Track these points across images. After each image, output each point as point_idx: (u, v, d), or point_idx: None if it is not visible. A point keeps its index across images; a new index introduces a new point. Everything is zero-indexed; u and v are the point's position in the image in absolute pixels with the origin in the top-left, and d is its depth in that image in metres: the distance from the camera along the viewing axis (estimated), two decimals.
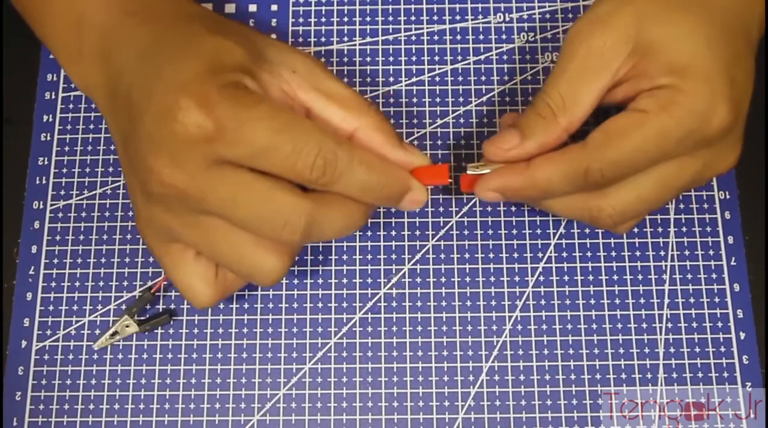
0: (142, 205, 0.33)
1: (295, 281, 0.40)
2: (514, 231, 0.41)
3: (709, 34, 0.32)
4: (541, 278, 0.40)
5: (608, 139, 0.32)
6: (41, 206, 0.42)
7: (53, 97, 0.44)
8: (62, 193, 0.42)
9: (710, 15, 0.32)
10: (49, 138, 0.43)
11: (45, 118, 0.43)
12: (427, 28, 0.45)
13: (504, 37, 0.44)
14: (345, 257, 0.41)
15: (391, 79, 0.44)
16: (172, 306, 0.40)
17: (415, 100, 0.43)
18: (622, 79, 0.33)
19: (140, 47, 0.33)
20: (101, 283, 0.40)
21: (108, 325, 0.40)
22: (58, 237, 0.41)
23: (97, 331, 0.40)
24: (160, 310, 0.40)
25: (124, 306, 0.40)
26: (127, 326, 0.39)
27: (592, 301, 0.40)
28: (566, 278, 0.40)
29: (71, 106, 0.43)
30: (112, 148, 0.43)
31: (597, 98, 0.33)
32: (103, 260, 0.41)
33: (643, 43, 0.32)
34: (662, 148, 0.31)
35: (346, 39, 0.44)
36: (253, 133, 0.29)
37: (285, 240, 0.31)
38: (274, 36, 0.45)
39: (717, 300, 0.40)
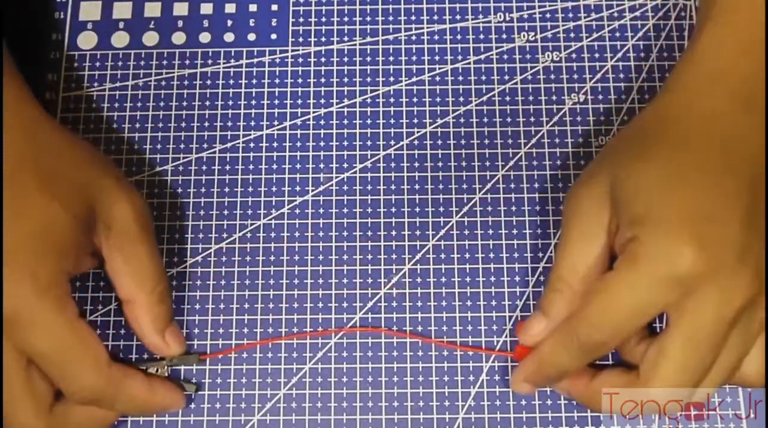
0: None
1: (296, 281, 0.40)
2: (514, 231, 0.41)
3: (667, 180, 0.32)
4: (541, 278, 0.40)
5: (587, 302, 0.33)
6: None
7: (53, 96, 0.44)
8: None
9: (669, 159, 0.33)
10: None
11: None
12: (427, 27, 0.45)
13: (504, 36, 0.44)
14: (345, 257, 0.41)
15: (391, 79, 0.44)
16: (204, 381, 0.40)
17: (415, 100, 0.43)
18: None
19: None
20: (101, 283, 0.40)
21: (108, 326, 0.40)
22: None
23: (98, 331, 0.39)
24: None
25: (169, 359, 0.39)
26: (156, 370, 0.38)
27: None
28: None
29: (71, 106, 0.43)
30: (113, 147, 0.43)
31: (602, 259, 0.34)
32: None
33: (615, 200, 0.33)
34: (634, 302, 0.31)
35: (346, 39, 0.44)
36: (38, 340, 0.32)
37: None
38: (274, 36, 0.45)
39: None
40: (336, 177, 0.42)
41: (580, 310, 0.33)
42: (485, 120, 0.43)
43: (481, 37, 0.44)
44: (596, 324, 0.32)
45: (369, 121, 0.43)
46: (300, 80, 0.44)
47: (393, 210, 0.41)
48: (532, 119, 0.43)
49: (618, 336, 0.33)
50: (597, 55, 0.44)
